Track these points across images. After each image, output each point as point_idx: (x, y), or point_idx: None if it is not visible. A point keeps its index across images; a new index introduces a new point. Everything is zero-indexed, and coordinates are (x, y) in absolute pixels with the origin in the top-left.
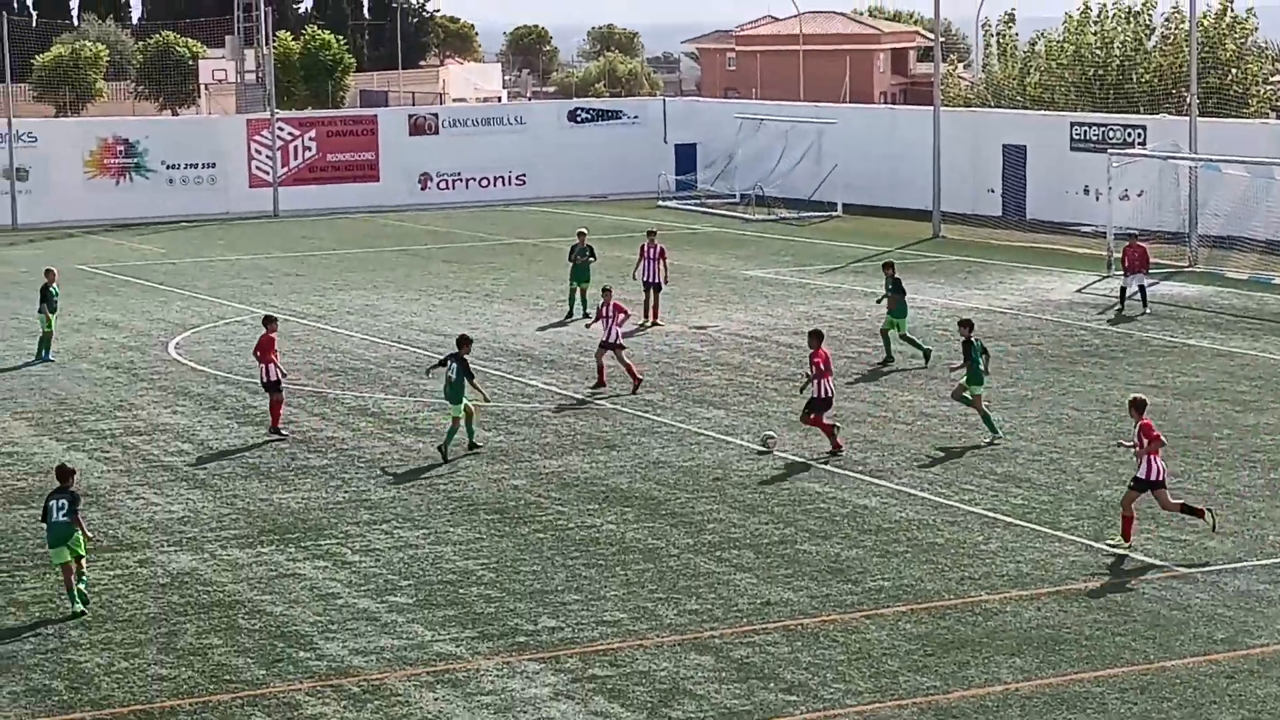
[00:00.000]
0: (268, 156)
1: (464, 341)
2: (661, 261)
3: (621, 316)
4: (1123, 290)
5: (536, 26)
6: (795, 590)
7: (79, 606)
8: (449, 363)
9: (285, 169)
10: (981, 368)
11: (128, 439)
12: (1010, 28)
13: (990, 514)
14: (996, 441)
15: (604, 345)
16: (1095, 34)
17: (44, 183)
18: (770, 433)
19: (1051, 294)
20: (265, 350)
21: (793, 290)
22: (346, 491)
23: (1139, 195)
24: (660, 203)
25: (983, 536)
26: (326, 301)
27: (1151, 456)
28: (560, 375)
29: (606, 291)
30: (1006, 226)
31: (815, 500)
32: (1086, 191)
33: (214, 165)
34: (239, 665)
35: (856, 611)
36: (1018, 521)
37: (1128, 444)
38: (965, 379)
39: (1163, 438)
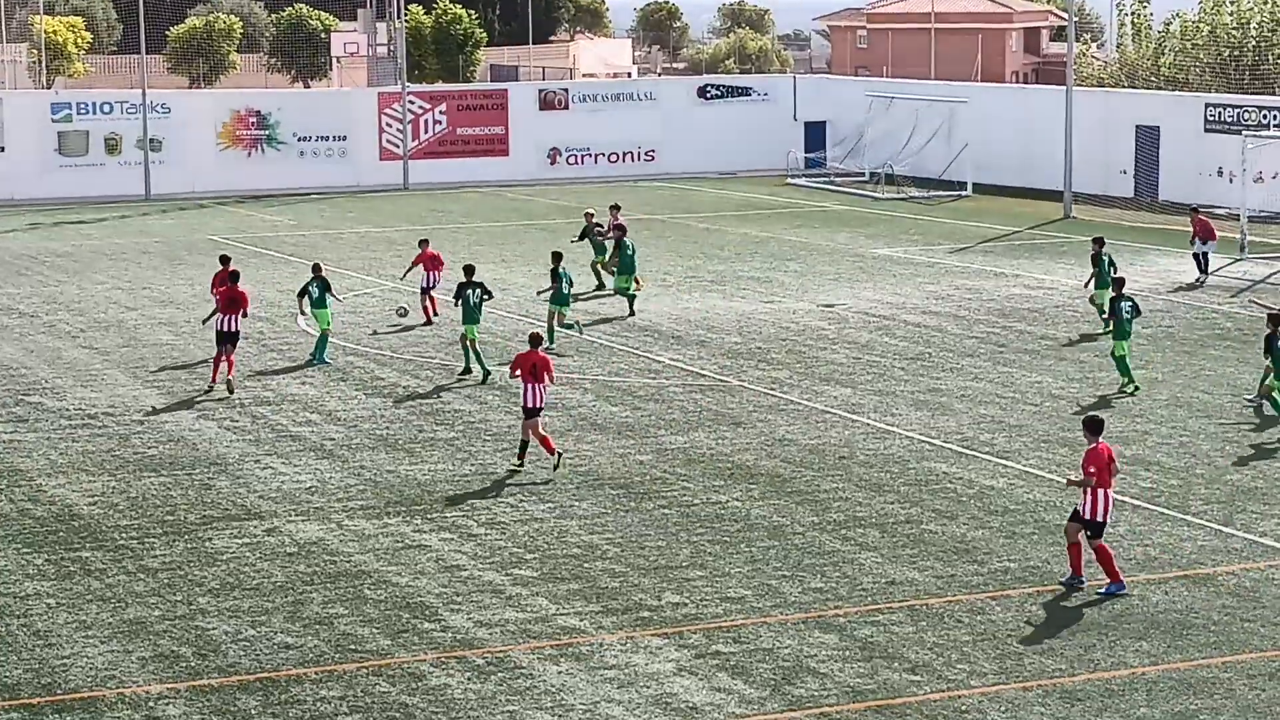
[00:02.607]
0: (398, 130)
1: (471, 270)
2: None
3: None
4: (1196, 257)
5: (667, 3)
6: (920, 570)
7: None
8: (470, 290)
9: (415, 142)
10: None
11: (257, 409)
12: (1144, 7)
13: (1118, 497)
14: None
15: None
16: (1231, 14)
17: (177, 154)
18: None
19: (1183, 276)
20: (240, 303)
21: (921, 269)
22: (473, 464)
23: (1274, 177)
24: (789, 180)
25: (1111, 519)
26: (455, 275)
27: (534, 385)
28: (687, 351)
29: (423, 243)
30: (1138, 208)
31: (942, 480)
32: (1220, 174)
33: (345, 138)
34: (364, 635)
35: (982, 592)
36: (1146, 505)
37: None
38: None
39: (546, 372)
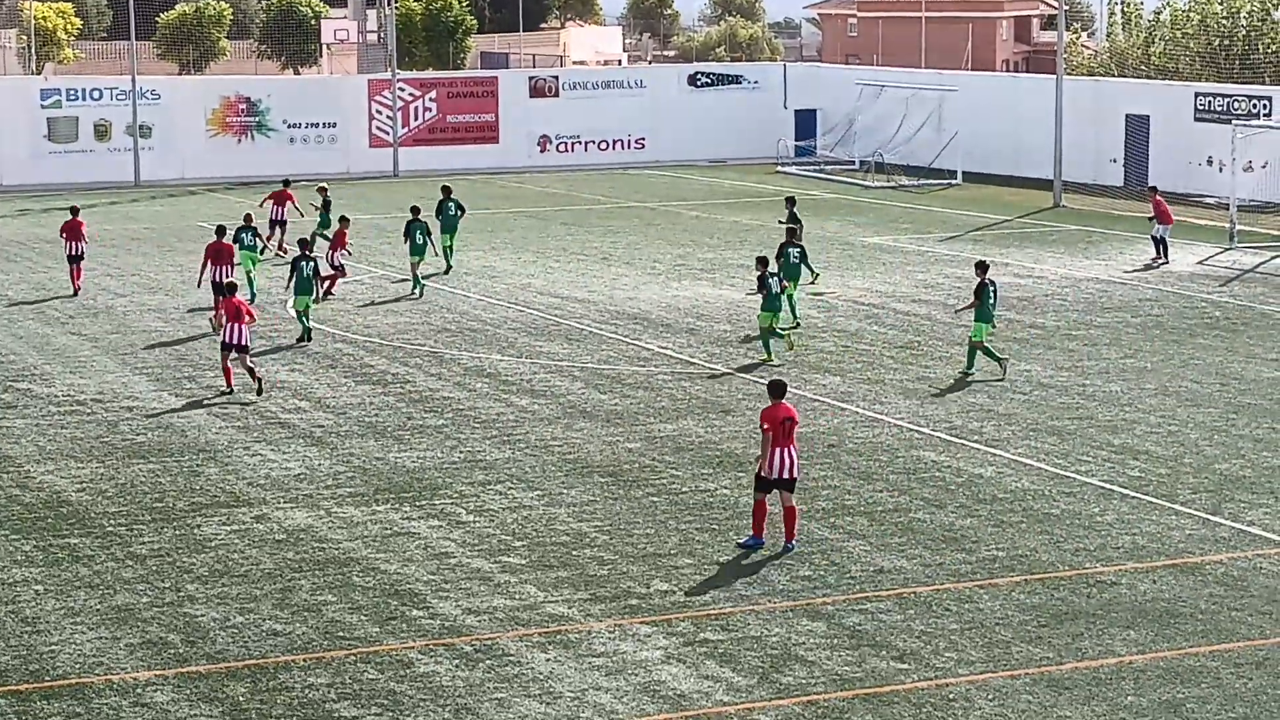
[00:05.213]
0: (388, 117)
1: (306, 244)
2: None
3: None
4: (1154, 238)
5: None
6: (909, 558)
7: None
8: (305, 262)
9: (405, 129)
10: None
11: (246, 395)
12: None
13: (1107, 485)
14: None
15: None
16: (1221, 3)
17: (167, 140)
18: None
19: (1172, 265)
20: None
21: (911, 258)
22: (462, 451)
23: (1263, 167)
24: (779, 168)
25: (1098, 508)
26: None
27: (237, 325)
28: (676, 339)
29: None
30: (1128, 197)
31: (930, 469)
32: (1210, 163)
33: (335, 125)
34: (353, 622)
35: (970, 581)
36: (1134, 493)
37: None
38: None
39: (248, 314)
